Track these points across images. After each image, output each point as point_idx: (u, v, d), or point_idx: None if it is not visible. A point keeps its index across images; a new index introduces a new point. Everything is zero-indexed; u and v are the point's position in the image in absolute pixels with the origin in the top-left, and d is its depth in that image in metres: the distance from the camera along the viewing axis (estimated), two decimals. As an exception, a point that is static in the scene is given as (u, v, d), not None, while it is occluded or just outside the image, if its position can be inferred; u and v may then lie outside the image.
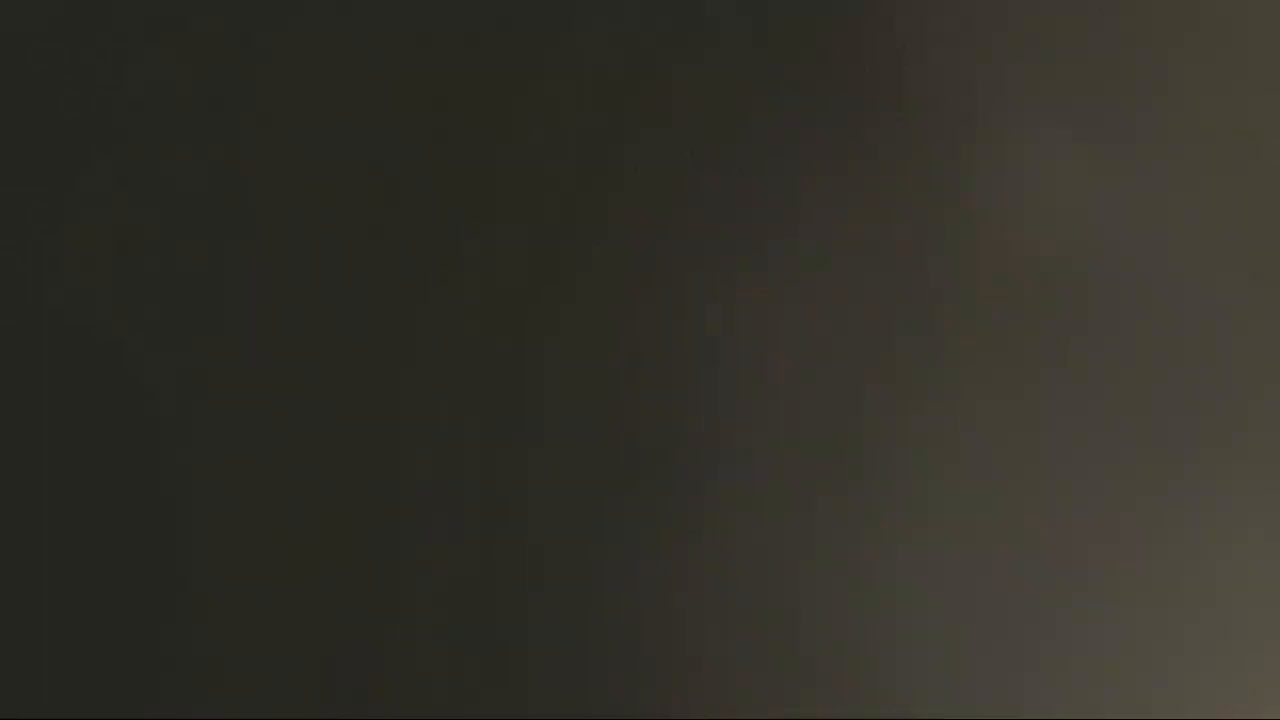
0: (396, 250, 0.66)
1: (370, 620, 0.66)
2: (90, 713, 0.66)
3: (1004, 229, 0.66)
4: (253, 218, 0.67)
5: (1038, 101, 0.66)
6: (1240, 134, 0.66)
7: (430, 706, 0.66)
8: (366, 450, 0.66)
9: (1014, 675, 0.65)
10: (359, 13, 0.67)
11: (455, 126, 0.66)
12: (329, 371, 0.66)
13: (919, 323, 0.66)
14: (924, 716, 0.65)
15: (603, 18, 0.66)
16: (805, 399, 0.66)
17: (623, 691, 0.65)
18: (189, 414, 0.66)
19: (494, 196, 0.66)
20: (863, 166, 0.66)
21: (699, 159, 0.66)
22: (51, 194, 0.67)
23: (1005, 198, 0.66)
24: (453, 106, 0.66)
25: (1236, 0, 0.66)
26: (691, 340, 0.66)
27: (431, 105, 0.66)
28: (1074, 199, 0.66)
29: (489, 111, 0.66)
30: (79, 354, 0.66)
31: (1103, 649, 0.65)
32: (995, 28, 0.66)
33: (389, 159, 0.67)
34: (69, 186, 0.67)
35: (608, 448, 0.66)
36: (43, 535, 0.66)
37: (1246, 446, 0.65)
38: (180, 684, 0.65)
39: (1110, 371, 0.65)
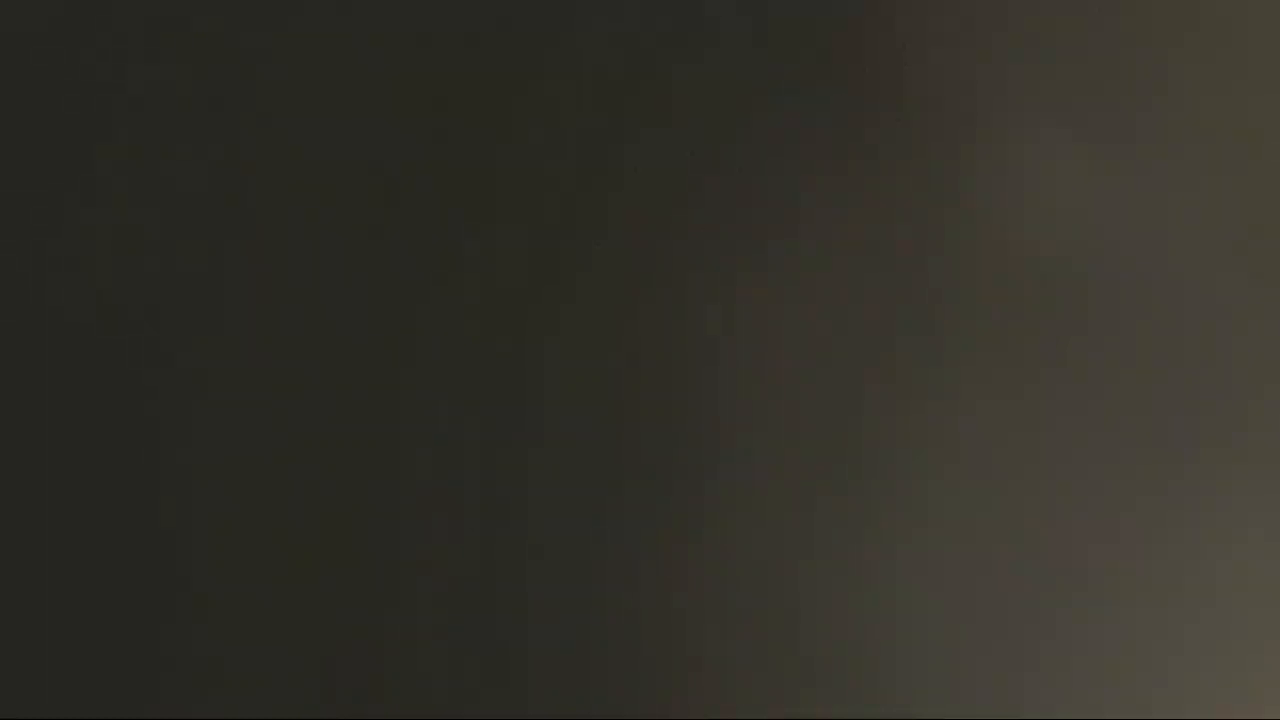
0: (396, 250, 0.66)
1: (370, 620, 0.66)
2: (90, 713, 0.66)
3: (1004, 229, 0.66)
4: (253, 218, 0.67)
5: (1038, 101, 0.66)
6: (1240, 134, 0.66)
7: (430, 706, 0.66)
8: (366, 450, 0.66)
9: (1014, 675, 0.65)
10: (359, 13, 0.67)
11: (455, 126, 0.66)
12: (329, 371, 0.66)
13: (919, 323, 0.66)
14: (924, 716, 0.65)
15: (603, 18, 0.66)
16: (805, 399, 0.66)
17: (623, 691, 0.65)
18: (189, 414, 0.66)
19: (494, 196, 0.66)
20: (863, 166, 0.66)
21: (699, 159, 0.66)
22: (51, 194, 0.67)
23: (1005, 198, 0.66)
24: (453, 106, 0.66)
25: (1236, 0, 0.66)
26: (691, 340, 0.66)
27: (431, 105, 0.66)
28: (1074, 199, 0.66)
29: (489, 111, 0.66)
30: (79, 354, 0.66)
31: (1103, 649, 0.65)
32: (995, 28, 0.66)
33: (389, 159, 0.67)
34: (69, 186, 0.67)
35: (608, 448, 0.66)
36: (43, 535, 0.66)
37: (1246, 446, 0.65)
38: (180, 684, 0.65)
39: (1110, 371, 0.65)
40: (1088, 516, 0.65)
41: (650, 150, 0.66)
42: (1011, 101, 0.66)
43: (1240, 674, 0.64)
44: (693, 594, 0.66)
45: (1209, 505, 0.65)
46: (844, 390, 0.66)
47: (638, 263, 0.66)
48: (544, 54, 0.66)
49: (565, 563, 0.66)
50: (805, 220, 0.66)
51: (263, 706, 0.66)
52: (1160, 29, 0.66)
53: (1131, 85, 0.66)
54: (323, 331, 0.66)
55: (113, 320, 0.66)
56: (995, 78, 0.66)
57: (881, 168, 0.66)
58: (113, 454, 0.66)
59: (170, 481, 0.66)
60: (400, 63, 0.67)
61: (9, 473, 0.66)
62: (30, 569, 0.66)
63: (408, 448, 0.66)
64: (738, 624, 0.65)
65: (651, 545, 0.66)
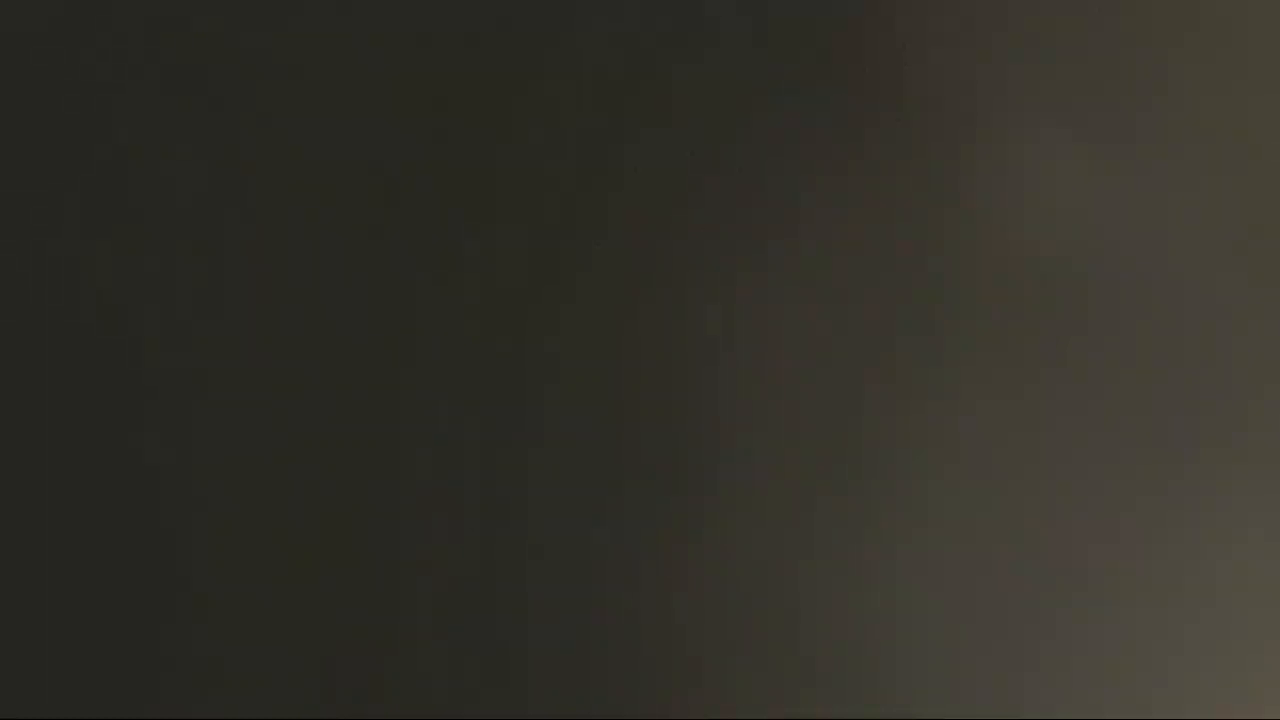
0: (396, 250, 0.66)
1: (370, 620, 0.66)
2: (90, 713, 0.66)
3: (1004, 229, 0.66)
4: (253, 218, 0.67)
5: (1038, 101, 0.66)
6: (1240, 134, 0.66)
7: (430, 706, 0.66)
8: (366, 450, 0.66)
9: (1014, 675, 0.65)
10: (359, 13, 0.67)
11: (455, 126, 0.66)
12: (329, 371, 0.66)
13: (919, 323, 0.66)
14: (924, 716, 0.65)
15: (603, 18, 0.66)
16: (805, 399, 0.66)
17: (623, 691, 0.65)
18: (189, 414, 0.66)
19: (494, 196, 0.66)
20: (863, 166, 0.66)
21: (699, 159, 0.66)
22: (51, 194, 0.67)
23: (1005, 198, 0.66)
24: (453, 106, 0.66)
25: (1236, 0, 0.66)
26: (691, 340, 0.66)
27: (431, 105, 0.66)
28: (1074, 199, 0.66)
29: (489, 111, 0.66)
30: (79, 354, 0.66)
31: (1103, 649, 0.65)
32: (995, 28, 0.66)
33: (389, 159, 0.67)
34: (69, 186, 0.67)
35: (608, 448, 0.66)
36: (43, 535, 0.66)
37: (1246, 446, 0.65)
38: (180, 684, 0.65)
39: (1110, 371, 0.65)
40: (1088, 516, 0.65)
41: (650, 150, 0.66)
42: (1011, 101, 0.66)
43: (1240, 674, 0.64)
44: (693, 594, 0.65)
45: (1209, 505, 0.65)
46: (844, 390, 0.66)
47: (638, 263, 0.66)
48: (544, 54, 0.66)
49: (565, 563, 0.66)
50: (805, 220, 0.66)
51: (263, 706, 0.66)
52: (1160, 29, 0.66)
53: (1131, 85, 0.66)
54: (323, 331, 0.66)
55: (113, 320, 0.66)
56: (995, 78, 0.66)
57: (881, 168, 0.66)
58: (113, 454, 0.66)
59: (170, 481, 0.66)
60: (400, 63, 0.67)
61: (9, 473, 0.66)
62: (30, 569, 0.66)
63: (408, 448, 0.66)
64: (738, 624, 0.65)
65: (651, 545, 0.66)
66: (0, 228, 0.67)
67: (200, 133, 0.67)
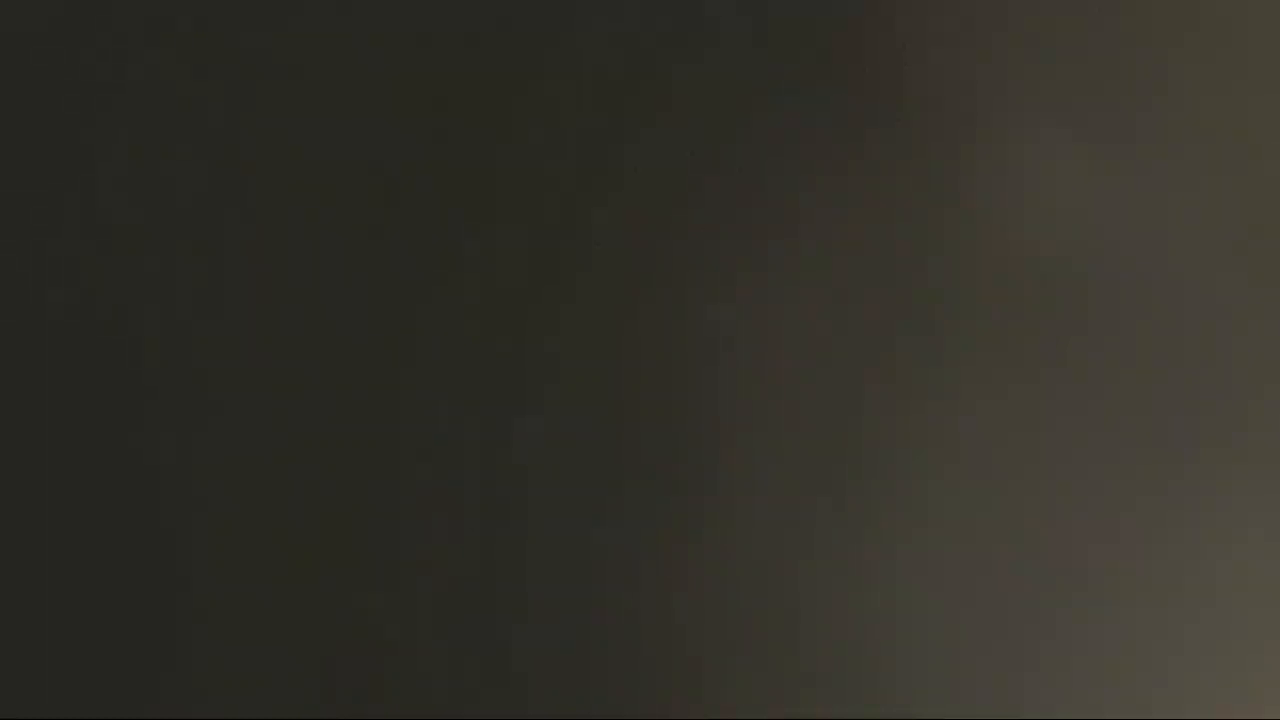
0: (396, 250, 0.66)
1: (370, 620, 0.66)
2: (90, 713, 0.66)
3: (1004, 229, 0.66)
4: (253, 218, 0.67)
5: (1038, 101, 0.66)
6: (1240, 134, 0.66)
7: (430, 706, 0.66)
8: (366, 450, 0.66)
9: (1014, 675, 0.65)
10: (359, 13, 0.67)
11: (455, 126, 0.66)
12: (329, 371, 0.66)
13: (919, 323, 0.66)
14: (924, 716, 0.65)
15: (603, 18, 0.66)
16: (805, 399, 0.66)
17: (623, 691, 0.65)
18: (189, 414, 0.66)
19: (494, 196, 0.66)
20: (863, 166, 0.66)
21: (699, 159, 0.66)
22: (51, 194, 0.67)
23: (1005, 198, 0.66)
24: (453, 106, 0.66)
25: (1236, 0, 0.66)
26: (691, 340, 0.66)
27: (431, 105, 0.66)
28: (1074, 199, 0.66)
29: (489, 111, 0.66)
30: (79, 354, 0.66)
31: (1103, 649, 0.65)
32: (995, 28, 0.66)
33: (389, 159, 0.67)
34: (69, 186, 0.67)
35: (608, 448, 0.66)
36: (43, 535, 0.66)
37: (1246, 446, 0.65)
38: (180, 684, 0.65)
39: (1110, 371, 0.65)
40: (1088, 516, 0.65)
41: (650, 150, 0.66)
42: (1011, 101, 0.66)
43: (1240, 674, 0.64)
44: (693, 594, 0.65)
45: (1209, 505, 0.65)
46: (844, 390, 0.66)
47: (638, 263, 0.66)
48: (544, 54, 0.66)
49: (565, 563, 0.66)
50: (805, 220, 0.66)
51: (263, 706, 0.66)
52: (1160, 29, 0.66)
53: (1131, 85, 0.66)
54: (323, 331, 0.66)
55: (113, 320, 0.66)
56: (995, 78, 0.66)
57: (881, 168, 0.66)
58: (113, 454, 0.66)
59: (170, 481, 0.66)
60: (400, 63, 0.67)
61: (9, 473, 0.66)
62: (30, 569, 0.66)
63: (408, 448, 0.66)
64: (738, 624, 0.65)
65: (651, 545, 0.66)
66: (0, 228, 0.67)
67: (200, 133, 0.67)
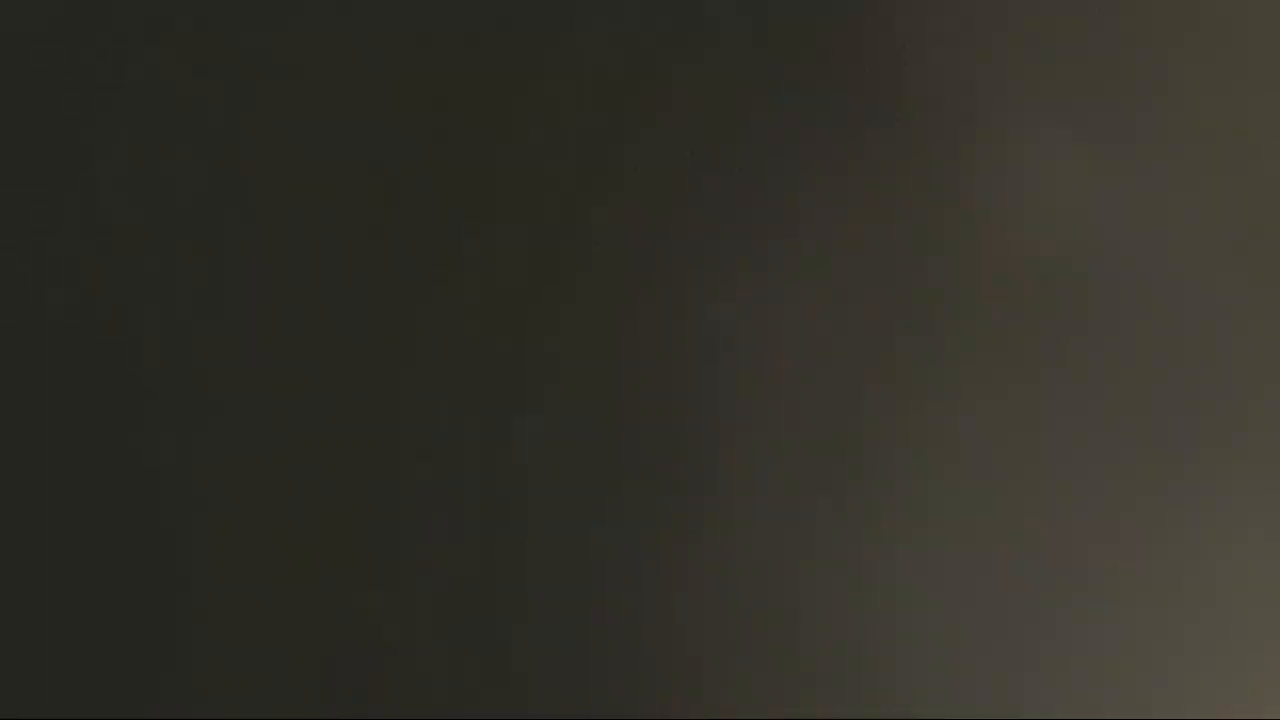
0: (396, 250, 0.66)
1: (370, 620, 0.66)
2: (90, 713, 0.66)
3: (1004, 229, 0.66)
4: (253, 218, 0.67)
5: (1038, 101, 0.66)
6: (1240, 134, 0.66)
7: (430, 706, 0.66)
8: (366, 450, 0.66)
9: (1014, 675, 0.65)
10: (359, 13, 0.67)
11: (455, 126, 0.66)
12: (329, 371, 0.66)
13: (919, 323, 0.66)
14: (924, 717, 0.65)
15: (603, 18, 0.66)
16: (805, 399, 0.66)
17: (623, 691, 0.65)
18: (189, 414, 0.66)
19: (494, 196, 0.66)
20: (863, 166, 0.66)
21: (699, 159, 0.66)
22: (51, 194, 0.67)
23: (1005, 198, 0.66)
24: (453, 106, 0.66)
25: (1236, 0, 0.66)
26: (691, 340, 0.66)
27: (431, 105, 0.66)
28: (1074, 199, 0.66)
29: (489, 111, 0.66)
30: (79, 354, 0.66)
31: (1103, 649, 0.65)
32: (995, 28, 0.66)
33: (389, 159, 0.67)
34: (69, 186, 0.67)
35: (608, 448, 0.66)
36: (43, 535, 0.66)
37: (1246, 446, 0.65)
38: (180, 684, 0.65)
39: (1110, 371, 0.65)
40: (1088, 516, 0.65)
41: (650, 150, 0.66)
42: (1011, 101, 0.66)
43: (1240, 674, 0.64)
44: (693, 594, 0.65)
45: (1209, 505, 0.65)
46: (844, 390, 0.66)
47: (638, 263, 0.66)
48: (544, 54, 0.66)
49: (565, 563, 0.66)
50: (805, 220, 0.66)
51: (263, 706, 0.66)
52: (1160, 29, 0.66)
53: (1131, 85, 0.66)
54: (323, 331, 0.66)
55: (113, 320, 0.66)
56: (995, 78, 0.66)
57: (881, 168, 0.66)
58: (113, 454, 0.66)
59: (170, 481, 0.66)
60: (400, 63, 0.67)
61: (9, 473, 0.66)
62: (30, 569, 0.66)
63: (408, 448, 0.66)
64: (738, 624, 0.65)
65: (651, 545, 0.66)
66: (0, 228, 0.67)
67: (200, 133, 0.67)
